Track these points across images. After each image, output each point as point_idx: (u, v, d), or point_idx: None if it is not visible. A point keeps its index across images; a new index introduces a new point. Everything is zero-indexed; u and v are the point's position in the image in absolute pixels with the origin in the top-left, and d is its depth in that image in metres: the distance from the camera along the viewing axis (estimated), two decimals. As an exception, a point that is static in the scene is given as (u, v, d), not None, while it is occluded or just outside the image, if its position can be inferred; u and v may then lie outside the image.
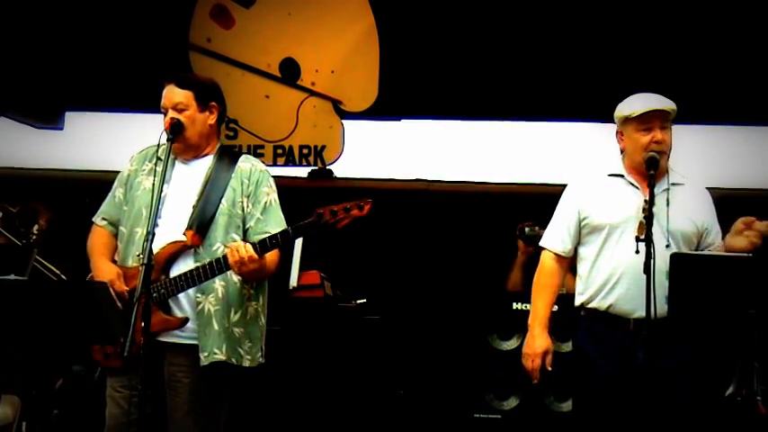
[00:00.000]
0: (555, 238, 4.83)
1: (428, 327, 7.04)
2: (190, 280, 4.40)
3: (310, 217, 4.42)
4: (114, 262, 4.58)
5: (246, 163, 4.65)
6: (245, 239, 4.52)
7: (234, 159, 4.64)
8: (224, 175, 4.56)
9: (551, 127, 7.95)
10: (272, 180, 4.67)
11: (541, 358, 4.71)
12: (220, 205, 4.50)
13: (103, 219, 4.64)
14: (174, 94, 4.55)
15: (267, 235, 4.48)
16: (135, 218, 4.50)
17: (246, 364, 4.54)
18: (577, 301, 4.76)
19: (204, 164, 4.58)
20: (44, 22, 7.80)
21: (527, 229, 6.60)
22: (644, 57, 7.38)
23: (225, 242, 4.48)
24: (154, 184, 4.31)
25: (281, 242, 4.42)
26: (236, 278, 4.48)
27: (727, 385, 5.15)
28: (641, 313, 4.36)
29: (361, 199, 4.44)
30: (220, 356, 4.44)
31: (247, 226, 4.56)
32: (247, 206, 4.57)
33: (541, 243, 4.91)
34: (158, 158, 4.55)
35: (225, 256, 4.39)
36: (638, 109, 4.64)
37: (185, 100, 4.55)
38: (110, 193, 4.68)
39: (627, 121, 4.67)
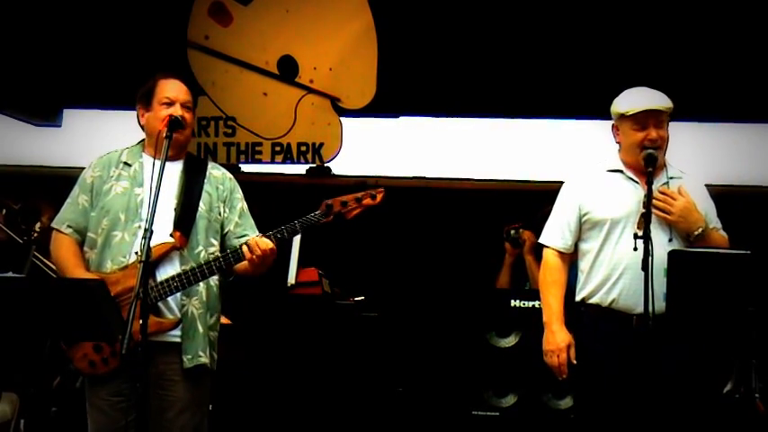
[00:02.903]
0: (555, 235, 4.81)
1: (426, 324, 7.04)
2: (185, 281, 4.39)
3: (318, 209, 4.42)
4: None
5: (217, 170, 4.67)
6: (222, 243, 4.55)
7: (202, 166, 4.65)
8: (197, 179, 4.56)
9: (550, 124, 7.96)
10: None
11: (566, 352, 4.65)
12: (199, 209, 4.51)
13: (69, 226, 4.54)
14: (183, 91, 4.56)
15: (247, 238, 4.50)
16: (111, 222, 4.45)
17: (214, 367, 4.55)
18: (578, 297, 4.75)
19: (175, 168, 4.54)
20: (42, 20, 7.80)
21: (512, 232, 6.63)
22: (643, 54, 7.38)
23: (206, 246, 4.49)
24: (152, 180, 4.24)
25: (288, 235, 4.44)
26: (214, 282, 4.50)
27: (725, 383, 5.15)
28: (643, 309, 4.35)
29: (372, 188, 4.44)
30: (204, 359, 4.46)
31: (226, 230, 4.58)
32: (224, 211, 4.58)
33: (542, 240, 4.88)
34: (125, 163, 4.54)
35: (227, 255, 4.41)
36: (633, 108, 4.63)
37: (192, 100, 4.58)
38: (70, 200, 4.58)
39: (622, 117, 4.68)
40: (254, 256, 4.36)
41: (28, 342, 5.34)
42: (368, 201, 4.47)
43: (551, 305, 4.73)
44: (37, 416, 5.71)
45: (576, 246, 4.80)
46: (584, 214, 4.73)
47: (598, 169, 4.81)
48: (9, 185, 6.78)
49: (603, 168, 4.79)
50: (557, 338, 4.67)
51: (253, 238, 4.41)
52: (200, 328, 4.44)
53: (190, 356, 4.42)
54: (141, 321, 4.04)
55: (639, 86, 4.76)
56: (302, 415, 6.20)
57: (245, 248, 4.38)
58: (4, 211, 5.93)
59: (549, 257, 4.82)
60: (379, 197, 4.47)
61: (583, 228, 4.75)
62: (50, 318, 4.05)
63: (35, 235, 5.83)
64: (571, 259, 4.84)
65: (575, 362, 4.64)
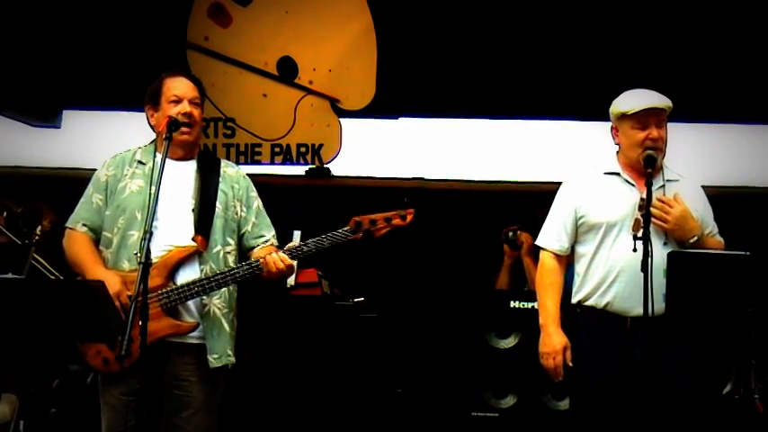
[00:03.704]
0: (551, 237, 4.81)
1: (425, 325, 7.04)
2: (207, 287, 4.39)
3: (347, 225, 4.42)
4: None
5: (231, 168, 4.67)
6: (240, 243, 4.56)
7: (216, 164, 4.65)
8: (212, 178, 4.55)
9: (549, 125, 7.96)
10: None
11: (562, 354, 4.64)
12: (216, 209, 4.50)
13: (84, 225, 4.53)
14: (190, 88, 4.55)
15: (263, 239, 4.54)
16: (128, 221, 4.45)
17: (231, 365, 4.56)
18: (574, 299, 4.75)
19: (189, 167, 4.55)
20: (42, 21, 7.79)
21: (510, 234, 6.62)
22: (642, 55, 7.38)
23: (224, 245, 4.49)
24: (152, 182, 4.26)
25: (314, 251, 4.46)
26: None
27: (724, 383, 5.15)
28: (639, 311, 4.36)
29: (404, 207, 4.44)
30: (232, 359, 4.48)
31: (243, 230, 4.58)
32: (242, 210, 4.58)
33: (538, 242, 4.87)
34: (139, 162, 4.54)
35: (246, 268, 4.41)
36: (635, 106, 4.63)
37: (199, 96, 4.57)
38: (84, 199, 4.58)
39: (623, 117, 4.68)
40: (275, 272, 4.38)
41: (27, 343, 5.34)
42: (397, 221, 4.46)
43: (548, 307, 4.73)
44: (36, 417, 5.70)
45: (572, 248, 4.80)
46: (581, 217, 4.72)
47: (595, 172, 4.80)
48: (8, 187, 6.78)
49: (600, 171, 4.78)
50: (553, 341, 4.67)
51: (269, 257, 4.40)
52: (226, 326, 4.46)
53: (217, 355, 4.42)
54: (141, 323, 4.04)
55: (639, 88, 4.77)
56: (301, 415, 6.20)
57: (262, 263, 4.39)
58: (5, 213, 5.94)
59: (546, 259, 4.81)
60: (408, 218, 4.46)
61: (579, 230, 4.74)
62: (50, 319, 4.05)
63: (36, 238, 5.83)
64: (567, 261, 4.84)
65: (571, 364, 4.64)
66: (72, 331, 4.16)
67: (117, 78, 7.73)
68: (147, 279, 4.09)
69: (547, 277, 4.79)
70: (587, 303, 4.68)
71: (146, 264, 4.05)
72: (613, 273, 4.61)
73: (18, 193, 6.30)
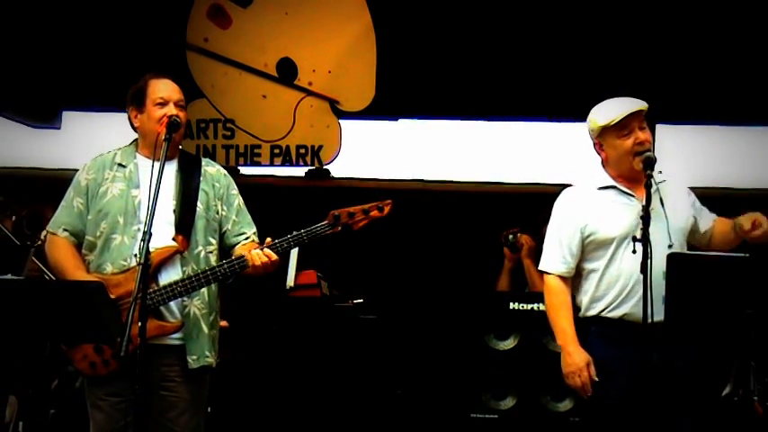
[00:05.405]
0: (556, 260, 4.69)
1: (425, 326, 7.04)
2: (189, 287, 4.38)
3: (325, 219, 4.42)
4: None
5: (212, 167, 4.65)
6: (221, 241, 4.55)
7: (196, 163, 4.63)
8: (193, 178, 4.54)
9: (550, 127, 7.96)
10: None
11: (587, 371, 4.55)
12: (197, 209, 4.50)
13: (65, 230, 4.51)
14: (176, 90, 4.54)
15: (244, 236, 4.54)
16: (110, 225, 4.43)
17: (214, 365, 4.55)
18: (584, 314, 4.66)
19: (170, 168, 4.50)
20: (42, 22, 7.80)
21: (510, 237, 6.61)
22: (641, 57, 7.38)
23: (205, 245, 4.49)
24: (151, 182, 4.24)
25: (294, 246, 4.44)
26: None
27: (723, 385, 5.15)
28: (657, 317, 4.31)
29: (380, 200, 4.46)
30: (210, 360, 4.47)
31: (224, 229, 4.57)
32: (222, 209, 4.57)
33: (543, 268, 4.74)
34: (119, 165, 4.52)
35: (232, 263, 4.41)
36: (614, 117, 4.56)
37: (184, 98, 4.55)
38: (65, 203, 4.56)
39: (605, 130, 4.60)
40: (259, 265, 4.36)
41: (27, 344, 5.34)
42: (375, 213, 4.47)
43: (564, 328, 4.63)
44: (35, 418, 5.71)
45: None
46: (588, 236, 4.63)
47: (589, 188, 4.71)
48: (8, 187, 6.78)
49: (594, 186, 4.69)
50: (575, 359, 4.57)
51: (254, 251, 4.40)
52: (205, 328, 4.45)
53: (195, 357, 4.42)
54: (140, 324, 4.04)
55: (608, 99, 4.70)
56: (301, 417, 6.21)
57: (248, 258, 4.38)
58: (14, 217, 5.94)
59: (552, 282, 4.71)
60: (386, 209, 4.48)
61: (586, 249, 4.65)
62: (49, 320, 4.05)
63: (38, 242, 5.83)
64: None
65: (596, 379, 4.55)
66: (71, 332, 4.16)
67: (116, 79, 7.66)
68: (147, 280, 4.11)
69: (556, 298, 4.68)
70: (602, 315, 4.61)
71: (145, 265, 4.06)
72: (629, 286, 4.53)
73: (18, 194, 6.30)
